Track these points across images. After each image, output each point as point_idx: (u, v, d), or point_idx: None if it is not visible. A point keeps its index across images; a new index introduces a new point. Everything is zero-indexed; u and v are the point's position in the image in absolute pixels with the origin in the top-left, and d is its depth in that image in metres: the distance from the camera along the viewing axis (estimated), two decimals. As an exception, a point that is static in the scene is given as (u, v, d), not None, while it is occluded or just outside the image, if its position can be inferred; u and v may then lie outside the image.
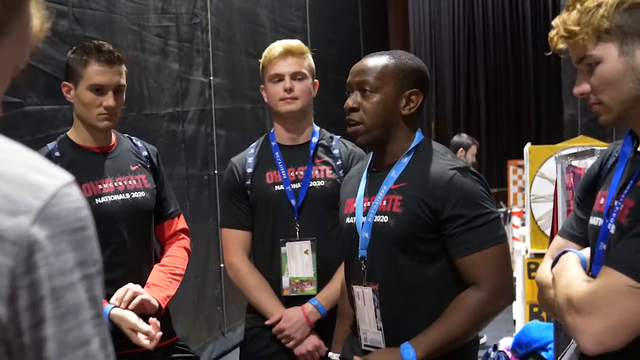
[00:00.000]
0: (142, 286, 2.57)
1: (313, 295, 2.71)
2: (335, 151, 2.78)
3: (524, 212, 5.85)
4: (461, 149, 6.81)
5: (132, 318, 2.41)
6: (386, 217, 2.08)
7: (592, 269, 1.58)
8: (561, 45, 1.57)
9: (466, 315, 2.02)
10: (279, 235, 2.74)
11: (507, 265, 2.11)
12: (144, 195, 2.62)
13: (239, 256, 2.79)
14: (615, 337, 1.38)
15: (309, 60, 2.79)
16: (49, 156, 2.51)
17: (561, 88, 8.16)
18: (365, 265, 2.13)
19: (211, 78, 5.95)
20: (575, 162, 3.37)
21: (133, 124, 4.81)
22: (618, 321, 1.38)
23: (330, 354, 2.36)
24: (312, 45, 9.11)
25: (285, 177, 2.75)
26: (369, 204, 2.14)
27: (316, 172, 2.75)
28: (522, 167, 6.80)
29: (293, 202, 2.72)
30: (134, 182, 2.61)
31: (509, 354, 4.52)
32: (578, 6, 1.52)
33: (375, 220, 2.10)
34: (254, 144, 2.90)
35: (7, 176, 0.86)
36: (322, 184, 2.74)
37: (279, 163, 2.76)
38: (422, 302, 2.07)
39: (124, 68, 2.54)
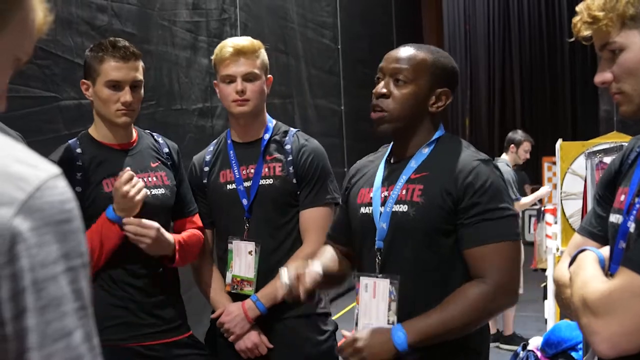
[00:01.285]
0: (161, 285, 2.60)
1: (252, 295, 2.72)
2: (288, 146, 2.75)
3: (557, 210, 5.77)
4: (512, 145, 6.77)
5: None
6: (406, 206, 2.05)
7: (610, 267, 1.53)
8: (585, 32, 1.53)
9: (465, 306, 1.96)
10: (230, 233, 2.76)
11: (516, 264, 2.05)
12: (163, 192, 2.62)
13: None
14: (631, 340, 1.34)
15: (262, 57, 2.76)
16: (70, 152, 2.54)
17: (597, 84, 8.03)
18: (381, 256, 2.09)
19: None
20: (605, 159, 3.29)
21: (162, 119, 4.84)
22: (633, 324, 1.33)
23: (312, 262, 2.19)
24: (343, 40, 9.13)
25: (238, 175, 2.74)
26: (387, 194, 2.11)
27: (266, 169, 2.73)
28: (556, 163, 6.72)
29: (244, 201, 2.72)
30: (154, 179, 2.61)
31: (539, 354, 4.44)
32: None
33: (394, 210, 2.07)
34: (214, 142, 2.92)
35: None
36: (271, 182, 2.73)
37: (232, 161, 2.76)
38: (437, 296, 2.02)
39: (140, 63, 2.55)
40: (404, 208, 2.05)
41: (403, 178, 2.09)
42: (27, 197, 0.85)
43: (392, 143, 2.24)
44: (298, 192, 2.73)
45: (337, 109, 8.49)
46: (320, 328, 2.76)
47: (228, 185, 2.76)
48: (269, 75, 2.79)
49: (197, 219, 2.78)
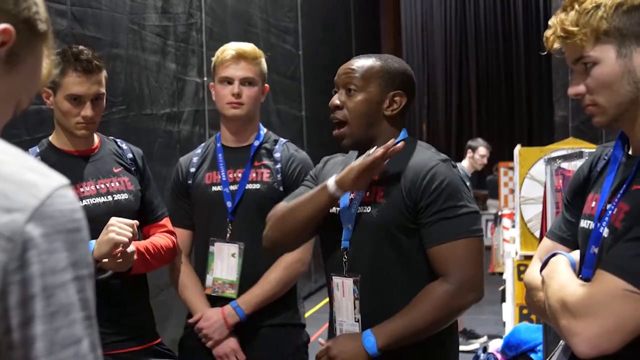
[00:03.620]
0: (126, 290, 2.58)
1: (233, 299, 2.71)
2: (277, 154, 2.78)
3: (514, 214, 5.88)
4: (469, 150, 6.98)
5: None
6: (369, 207, 2.10)
7: (582, 272, 1.58)
8: (557, 45, 1.56)
9: (431, 306, 2.00)
10: (212, 235, 2.76)
11: (477, 260, 2.08)
12: (127, 197, 2.61)
13: (177, 254, 2.80)
14: (610, 340, 1.39)
15: (262, 65, 2.80)
16: None
17: (552, 90, 8.19)
18: (347, 256, 2.14)
19: (205, 79, 5.97)
20: (564, 165, 3.38)
21: (134, 124, 4.81)
22: (614, 325, 1.37)
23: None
24: (304, 46, 9.18)
25: (224, 178, 2.76)
26: (353, 195, 2.15)
27: (254, 174, 2.75)
28: (513, 169, 6.84)
29: (229, 203, 2.73)
30: (117, 184, 2.60)
31: (499, 356, 4.54)
32: (576, 6, 1.52)
33: (359, 211, 2.12)
34: (203, 144, 2.93)
35: (4, 175, 0.87)
36: (258, 187, 2.74)
37: (220, 164, 2.78)
38: (402, 295, 2.06)
39: (103, 75, 2.51)
40: (367, 209, 2.10)
41: None
42: (40, 204, 0.85)
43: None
44: None
45: (298, 114, 8.53)
46: (294, 339, 2.78)
47: (213, 187, 2.76)
48: (265, 85, 2.82)
49: (166, 222, 2.76)
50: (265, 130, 2.87)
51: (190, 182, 2.82)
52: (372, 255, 2.10)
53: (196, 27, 5.84)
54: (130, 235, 2.38)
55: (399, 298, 2.07)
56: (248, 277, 2.71)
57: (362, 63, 2.16)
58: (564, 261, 1.58)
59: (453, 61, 16.60)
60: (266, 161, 2.77)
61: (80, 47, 2.51)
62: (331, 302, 2.23)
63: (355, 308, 2.12)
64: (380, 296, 2.10)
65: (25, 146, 2.65)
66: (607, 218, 1.52)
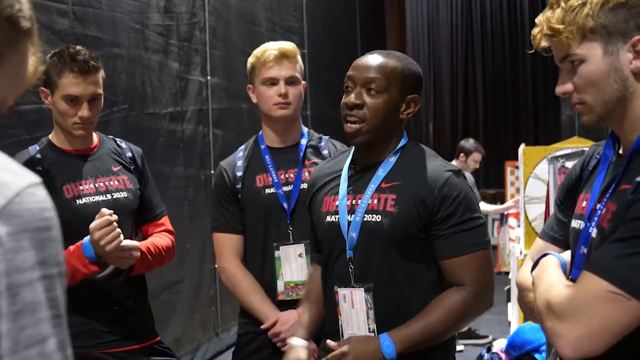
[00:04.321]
0: (125, 290, 2.57)
1: None
2: (325, 151, 2.76)
3: (519, 214, 5.86)
4: (462, 153, 6.86)
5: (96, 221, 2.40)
6: (379, 216, 2.06)
7: (572, 272, 1.56)
8: (544, 44, 1.56)
9: (448, 312, 2.03)
10: (271, 239, 2.72)
11: (490, 269, 2.13)
12: (125, 195, 2.62)
13: (232, 260, 2.77)
14: (594, 343, 1.37)
15: (300, 62, 2.79)
16: (29, 158, 2.52)
17: (559, 89, 8.15)
18: (354, 265, 2.10)
19: (208, 78, 5.97)
20: (567, 164, 3.37)
21: (136, 123, 4.81)
22: (597, 327, 1.36)
23: (291, 338, 2.32)
24: (309, 45, 9.16)
25: (276, 180, 2.72)
26: (354, 202, 2.12)
27: (306, 173, 2.71)
28: (518, 168, 6.83)
29: (285, 205, 2.70)
30: (116, 182, 2.61)
31: (503, 356, 4.53)
32: (562, 4, 1.51)
33: (365, 219, 2.08)
34: (242, 147, 2.87)
35: None
36: None
37: (269, 166, 2.74)
38: (417, 303, 2.06)
39: (100, 75, 2.51)
40: (377, 218, 2.07)
41: (372, 187, 2.10)
42: (7, 202, 0.85)
43: (352, 149, 2.25)
44: None
45: (303, 113, 8.51)
46: None
47: (267, 190, 2.72)
48: (303, 81, 2.79)
49: (164, 221, 2.76)
50: (306, 128, 2.85)
51: (239, 186, 2.76)
52: (381, 265, 2.08)
53: (199, 26, 5.84)
54: (112, 230, 2.38)
55: (413, 306, 2.07)
56: None
57: (385, 62, 2.11)
58: (554, 262, 1.57)
59: (459, 60, 16.56)
60: (315, 159, 2.75)
61: (78, 47, 2.51)
62: (334, 315, 2.19)
63: (369, 318, 2.09)
64: (390, 305, 2.09)
65: (24, 145, 2.66)
66: (596, 218, 1.50)
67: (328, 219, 2.18)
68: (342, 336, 2.14)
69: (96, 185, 2.56)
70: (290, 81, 2.71)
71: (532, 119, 15.86)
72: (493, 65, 16.29)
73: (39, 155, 2.54)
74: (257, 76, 2.74)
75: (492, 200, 13.53)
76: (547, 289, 1.48)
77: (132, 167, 2.69)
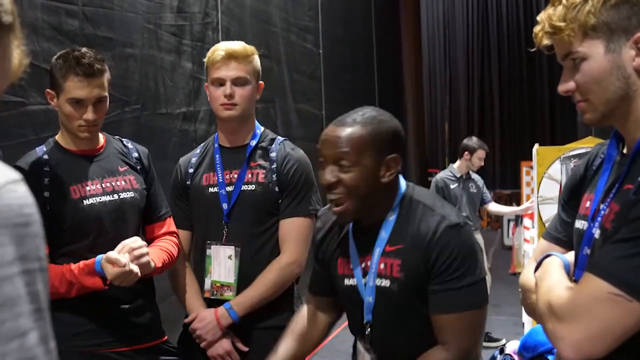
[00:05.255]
0: (132, 289, 2.57)
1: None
2: (273, 154, 2.74)
3: (533, 214, 5.83)
4: (466, 152, 6.80)
5: (114, 254, 2.43)
6: (387, 281, 2.02)
7: (575, 273, 1.55)
8: (546, 41, 1.54)
9: None
10: (209, 237, 2.74)
11: (478, 330, 2.04)
12: (132, 195, 2.63)
13: None
14: (595, 345, 1.35)
15: (254, 62, 2.75)
16: (37, 158, 2.54)
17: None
18: (371, 328, 2.08)
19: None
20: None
21: (148, 123, 4.83)
22: (598, 329, 1.34)
23: None
24: (324, 45, 9.17)
25: (221, 179, 2.74)
26: (364, 265, 2.08)
27: (249, 175, 2.72)
28: (533, 168, 6.79)
29: (224, 205, 2.71)
30: (123, 182, 2.62)
31: (516, 358, 4.50)
32: (564, 1, 1.49)
33: (377, 284, 2.05)
34: (202, 144, 2.91)
35: None
36: (253, 188, 2.70)
37: (217, 165, 2.75)
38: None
39: (105, 78, 2.52)
40: (386, 283, 2.03)
41: (377, 250, 2.05)
42: None
43: None
44: (279, 201, 2.71)
45: (318, 113, 8.53)
46: None
47: (210, 189, 2.75)
48: (260, 82, 2.78)
49: (169, 222, 2.77)
50: (262, 129, 2.83)
51: (188, 182, 2.81)
52: (396, 328, 2.06)
53: (212, 26, 5.85)
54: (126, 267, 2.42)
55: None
56: (246, 279, 2.69)
57: (350, 134, 1.99)
58: (557, 263, 1.55)
59: (475, 60, 16.52)
60: (261, 161, 2.74)
61: (83, 49, 2.52)
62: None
63: None
64: None
65: (31, 145, 2.67)
66: (599, 218, 1.48)
67: (346, 282, 2.14)
68: None
69: (103, 185, 2.58)
70: (238, 82, 2.69)
71: (549, 119, 15.80)
72: (509, 65, 16.25)
73: (46, 156, 2.56)
74: (208, 76, 2.76)
75: (508, 200, 13.49)
76: (548, 290, 1.47)
77: (138, 167, 2.71)
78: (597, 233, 1.48)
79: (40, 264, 0.89)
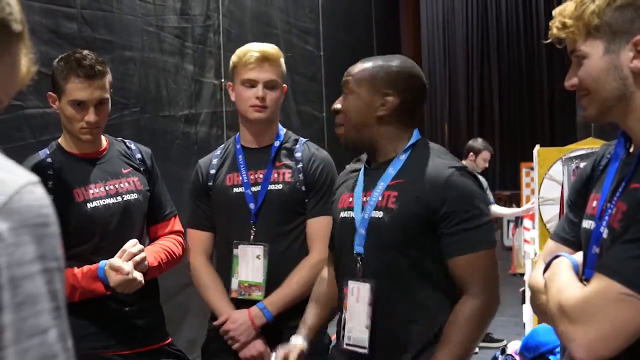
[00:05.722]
0: (137, 293, 2.59)
1: (260, 301, 2.70)
2: (298, 154, 2.77)
3: (534, 215, 5.84)
4: (471, 153, 6.80)
5: (118, 262, 2.46)
6: (381, 212, 2.09)
7: (585, 272, 1.56)
8: (557, 35, 1.59)
9: (467, 330, 2.03)
10: (234, 238, 2.74)
11: (495, 270, 2.11)
12: (136, 197, 2.65)
13: (198, 256, 2.80)
14: (607, 345, 1.36)
15: (283, 66, 2.78)
16: (40, 162, 2.56)
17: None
18: (361, 261, 2.14)
19: (222, 80, 5.98)
20: (582, 164, 3.35)
21: (149, 126, 4.83)
22: (610, 329, 1.36)
23: (293, 337, 2.35)
24: (325, 47, 9.18)
25: (245, 180, 2.74)
26: (366, 199, 2.15)
27: (275, 175, 2.73)
28: (533, 169, 6.80)
29: (251, 205, 2.72)
30: (126, 184, 2.64)
31: (517, 358, 4.52)
32: None
33: (372, 216, 2.11)
34: (222, 145, 2.92)
35: None
36: (280, 188, 2.72)
37: (241, 166, 2.77)
38: (414, 304, 2.07)
39: (107, 80, 2.54)
40: (379, 214, 2.09)
41: (381, 185, 2.13)
42: (7, 200, 0.88)
43: None
44: (306, 200, 2.73)
45: (319, 115, 8.54)
46: (319, 339, 2.73)
47: (235, 189, 2.75)
48: (284, 85, 2.80)
49: (173, 222, 2.79)
50: (284, 130, 2.85)
51: (210, 184, 2.80)
52: (384, 262, 2.10)
53: (213, 28, 5.86)
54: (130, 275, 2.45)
55: (411, 307, 2.08)
56: (273, 278, 2.70)
57: (360, 66, 2.20)
58: (566, 263, 1.57)
59: (474, 60, 16.52)
60: (287, 161, 2.76)
61: (85, 52, 2.54)
62: (342, 308, 2.22)
63: (367, 314, 2.11)
64: (391, 304, 2.10)
65: (30, 148, 2.69)
66: (607, 217, 1.50)
67: (342, 214, 2.23)
68: (344, 329, 2.17)
69: (106, 188, 2.59)
70: (270, 85, 2.72)
71: (548, 120, 15.80)
72: (509, 66, 16.24)
73: (49, 160, 2.57)
74: (237, 76, 2.75)
75: (508, 201, 13.48)
76: (559, 291, 1.48)
77: (142, 169, 2.72)
78: (605, 232, 1.50)
79: (58, 264, 0.92)
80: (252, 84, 2.71)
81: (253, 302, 2.70)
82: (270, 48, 2.76)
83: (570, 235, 1.72)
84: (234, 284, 2.73)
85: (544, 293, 1.59)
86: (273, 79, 2.72)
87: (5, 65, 1.01)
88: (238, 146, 2.82)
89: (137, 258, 2.47)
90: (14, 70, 1.02)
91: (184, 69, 5.39)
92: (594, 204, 1.60)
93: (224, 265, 2.78)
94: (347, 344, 2.16)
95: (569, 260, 1.58)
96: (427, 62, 16.44)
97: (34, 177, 0.93)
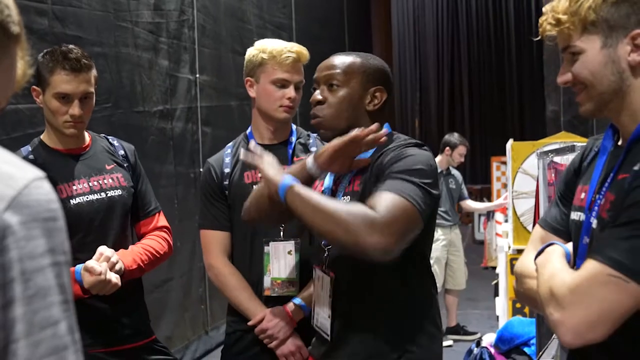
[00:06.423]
0: (121, 288, 2.54)
1: (294, 297, 2.66)
2: (313, 149, 2.73)
3: (507, 209, 5.90)
4: (447, 147, 6.86)
5: (91, 263, 2.43)
6: (348, 197, 2.11)
7: (576, 263, 1.58)
8: (549, 32, 1.59)
9: (345, 211, 1.86)
10: (260, 235, 2.69)
11: (404, 220, 1.87)
12: (120, 193, 2.63)
13: (219, 257, 2.74)
14: (594, 329, 1.37)
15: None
16: (23, 159, 2.52)
17: (544, 84, 8.23)
18: (328, 252, 2.15)
19: (197, 75, 5.97)
20: (556, 159, 3.38)
21: (122, 122, 4.79)
22: (597, 313, 1.36)
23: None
24: (298, 42, 9.17)
25: None
26: (334, 187, 2.18)
27: None
28: (505, 163, 6.85)
29: None
30: (110, 180, 2.62)
31: (492, 350, 4.56)
32: None
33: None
34: (230, 143, 2.86)
35: None
36: None
37: None
38: (377, 297, 2.07)
39: (92, 74, 2.52)
40: (347, 199, 2.10)
41: (350, 173, 2.15)
42: (17, 194, 0.90)
43: None
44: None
45: (291, 109, 8.55)
46: None
47: (255, 186, 2.63)
48: None
49: (158, 218, 2.77)
50: (294, 125, 2.83)
51: (226, 182, 2.75)
52: (346, 256, 2.05)
53: (188, 23, 5.84)
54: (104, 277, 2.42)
55: (374, 300, 2.07)
56: (305, 273, 2.65)
57: (343, 60, 2.18)
58: (559, 251, 1.57)
59: (445, 56, 16.63)
60: (303, 156, 2.71)
61: (70, 45, 2.53)
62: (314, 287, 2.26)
63: (328, 305, 2.13)
64: (355, 296, 2.10)
65: (3, 145, 2.64)
66: (596, 208, 1.52)
67: None
68: (313, 310, 2.21)
69: (90, 184, 2.57)
70: (298, 86, 2.69)
71: (518, 115, 15.94)
72: (479, 61, 16.37)
73: (31, 156, 2.54)
74: (267, 73, 2.69)
75: (479, 195, 13.59)
76: (551, 276, 1.49)
77: (125, 165, 2.70)
78: (594, 223, 1.52)
79: (66, 258, 0.94)
80: (284, 84, 2.66)
81: (283, 299, 2.65)
82: (303, 49, 2.71)
83: (560, 225, 1.73)
84: (267, 282, 2.68)
85: (532, 278, 1.60)
86: (302, 80, 2.69)
87: (3, 68, 1.01)
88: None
89: (114, 259, 2.46)
90: (10, 73, 1.03)
91: (158, 64, 5.36)
92: (582, 195, 1.62)
93: (247, 264, 2.73)
94: (315, 325, 2.21)
95: (563, 248, 1.59)
96: (398, 57, 16.51)
97: (40, 172, 0.94)
